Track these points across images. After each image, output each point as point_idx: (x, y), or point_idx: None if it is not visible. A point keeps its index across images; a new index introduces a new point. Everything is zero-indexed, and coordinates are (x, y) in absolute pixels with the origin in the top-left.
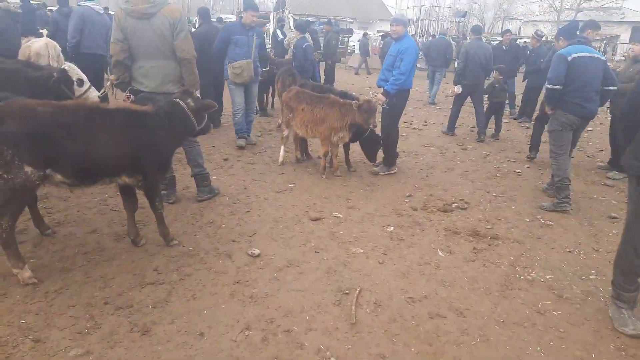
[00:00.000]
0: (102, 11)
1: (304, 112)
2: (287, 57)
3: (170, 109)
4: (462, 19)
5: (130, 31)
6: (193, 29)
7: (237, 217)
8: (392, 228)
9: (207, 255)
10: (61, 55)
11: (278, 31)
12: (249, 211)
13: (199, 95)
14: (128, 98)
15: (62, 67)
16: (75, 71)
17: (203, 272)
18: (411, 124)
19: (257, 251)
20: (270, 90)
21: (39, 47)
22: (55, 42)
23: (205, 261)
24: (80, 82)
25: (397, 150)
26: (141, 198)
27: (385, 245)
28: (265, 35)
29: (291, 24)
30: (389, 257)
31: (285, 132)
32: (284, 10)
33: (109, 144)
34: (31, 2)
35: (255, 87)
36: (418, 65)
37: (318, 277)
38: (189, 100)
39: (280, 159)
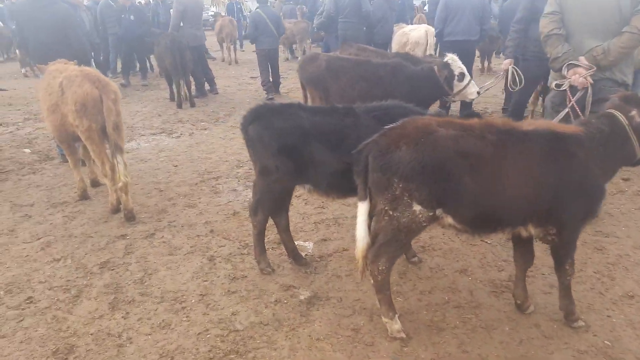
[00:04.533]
0: None
1: None
2: None
3: (609, 127)
4: None
5: (571, 1)
6: None
7: None
8: None
9: None
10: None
11: None
12: None
13: None
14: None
15: (445, 60)
16: (457, 64)
17: None
18: None
19: None
20: None
21: (419, 35)
22: (432, 29)
23: None
24: (461, 77)
25: None
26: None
27: None
28: None
29: None
30: None
31: None
32: None
33: (520, 180)
34: None
35: None
36: None
37: None
38: (633, 112)
39: None
